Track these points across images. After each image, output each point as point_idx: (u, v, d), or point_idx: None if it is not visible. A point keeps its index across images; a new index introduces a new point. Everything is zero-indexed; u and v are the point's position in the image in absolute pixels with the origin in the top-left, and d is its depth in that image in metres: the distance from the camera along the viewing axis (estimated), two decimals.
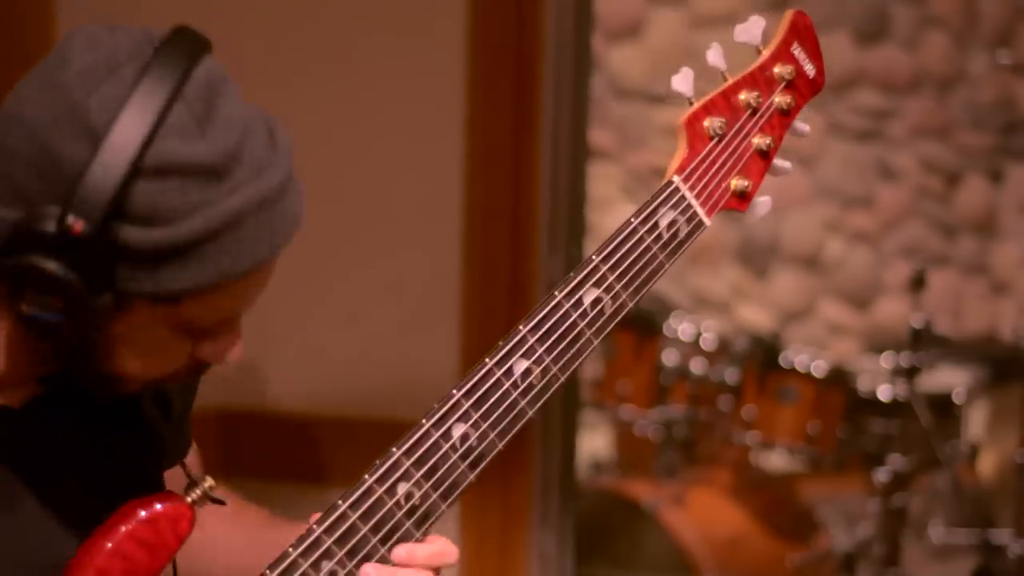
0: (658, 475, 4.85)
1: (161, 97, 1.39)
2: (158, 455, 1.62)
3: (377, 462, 1.53)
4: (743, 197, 1.66)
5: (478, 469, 1.55)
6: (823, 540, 4.76)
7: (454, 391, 1.55)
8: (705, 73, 1.65)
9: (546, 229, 3.13)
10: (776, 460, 5.40)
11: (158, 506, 1.50)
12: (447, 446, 1.54)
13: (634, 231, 1.60)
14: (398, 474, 1.52)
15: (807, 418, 4.76)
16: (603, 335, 1.59)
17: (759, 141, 1.66)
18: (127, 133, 1.37)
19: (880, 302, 6.33)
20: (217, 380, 1.58)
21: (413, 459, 1.53)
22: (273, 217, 1.43)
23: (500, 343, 1.56)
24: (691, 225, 1.63)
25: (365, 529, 1.52)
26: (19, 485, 1.50)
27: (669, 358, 4.86)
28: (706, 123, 1.64)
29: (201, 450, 1.78)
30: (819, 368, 4.79)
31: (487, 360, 1.56)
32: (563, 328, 1.57)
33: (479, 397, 1.55)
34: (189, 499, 1.52)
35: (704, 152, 1.64)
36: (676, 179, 1.63)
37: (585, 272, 1.59)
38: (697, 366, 4.86)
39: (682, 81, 1.63)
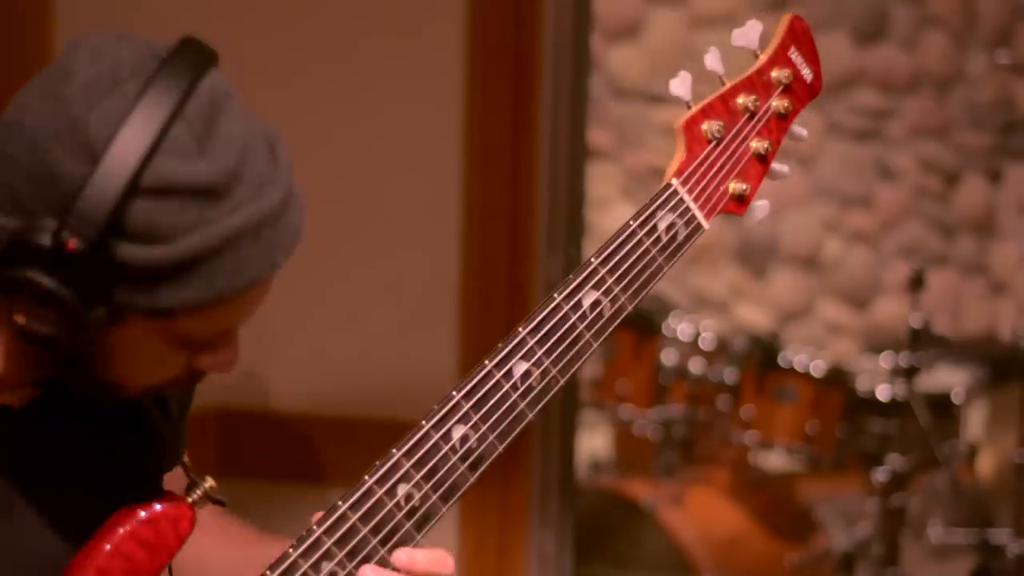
0: (657, 475, 4.85)
1: (161, 115, 1.37)
2: (158, 456, 1.62)
3: (377, 463, 1.53)
4: (741, 200, 1.66)
5: (478, 471, 1.55)
6: (822, 540, 4.76)
7: (454, 392, 1.55)
8: (704, 75, 1.65)
9: (545, 229, 3.13)
10: (775, 460, 5.40)
11: (158, 506, 1.50)
12: (447, 448, 1.54)
13: (632, 234, 1.60)
14: (398, 475, 1.53)
15: (806, 418, 4.76)
16: (602, 338, 1.59)
17: (757, 145, 1.67)
18: (126, 151, 1.36)
19: (879, 302, 6.33)
20: (217, 380, 1.59)
21: (413, 460, 1.53)
22: (274, 234, 1.42)
23: (499, 345, 1.56)
24: (689, 228, 1.63)
25: (365, 530, 1.52)
26: (19, 485, 1.50)
27: (668, 358, 4.86)
28: (704, 126, 1.64)
29: (201, 450, 1.78)
30: (818, 368, 4.79)
31: (487, 362, 1.56)
32: (562, 331, 1.57)
33: (479, 399, 1.55)
34: (190, 499, 1.53)
35: (702, 155, 1.64)
36: (674, 182, 1.63)
37: (584, 275, 1.59)
38: (696, 366, 4.85)
39: (680, 85, 1.63)
